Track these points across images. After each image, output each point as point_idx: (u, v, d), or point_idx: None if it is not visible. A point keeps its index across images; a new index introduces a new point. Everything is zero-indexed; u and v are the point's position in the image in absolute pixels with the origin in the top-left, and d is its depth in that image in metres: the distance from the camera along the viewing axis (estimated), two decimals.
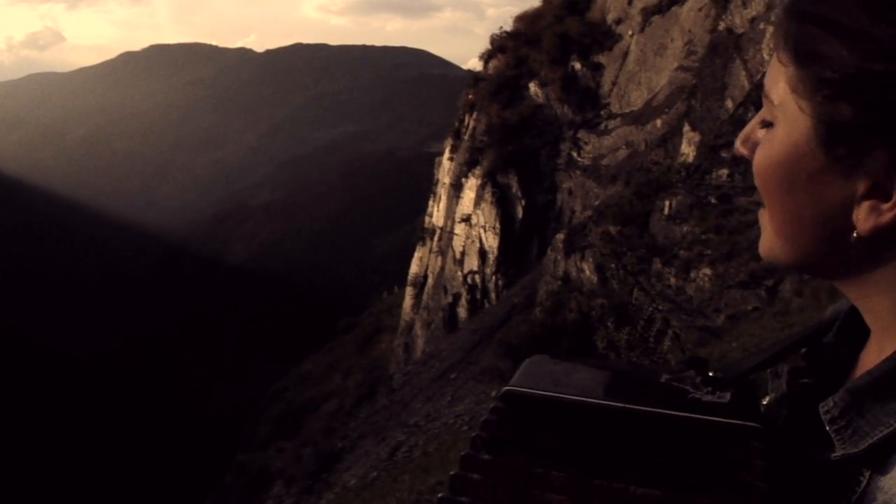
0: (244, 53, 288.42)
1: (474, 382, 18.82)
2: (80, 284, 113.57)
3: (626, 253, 16.10)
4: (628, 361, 7.78)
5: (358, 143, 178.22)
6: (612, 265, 16.32)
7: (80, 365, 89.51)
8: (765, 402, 0.88)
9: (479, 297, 30.75)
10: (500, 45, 36.92)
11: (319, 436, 28.81)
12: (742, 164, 16.44)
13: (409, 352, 34.61)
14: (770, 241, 0.80)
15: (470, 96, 36.66)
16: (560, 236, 21.97)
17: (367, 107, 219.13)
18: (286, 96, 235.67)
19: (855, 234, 0.71)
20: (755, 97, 17.51)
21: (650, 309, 11.11)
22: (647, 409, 0.77)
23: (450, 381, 22.04)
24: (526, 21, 36.65)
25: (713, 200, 15.94)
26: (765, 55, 18.58)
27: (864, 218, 0.70)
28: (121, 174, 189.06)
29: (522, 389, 0.82)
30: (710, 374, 0.82)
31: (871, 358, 0.77)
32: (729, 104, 19.13)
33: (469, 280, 31.40)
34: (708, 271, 13.34)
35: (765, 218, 0.80)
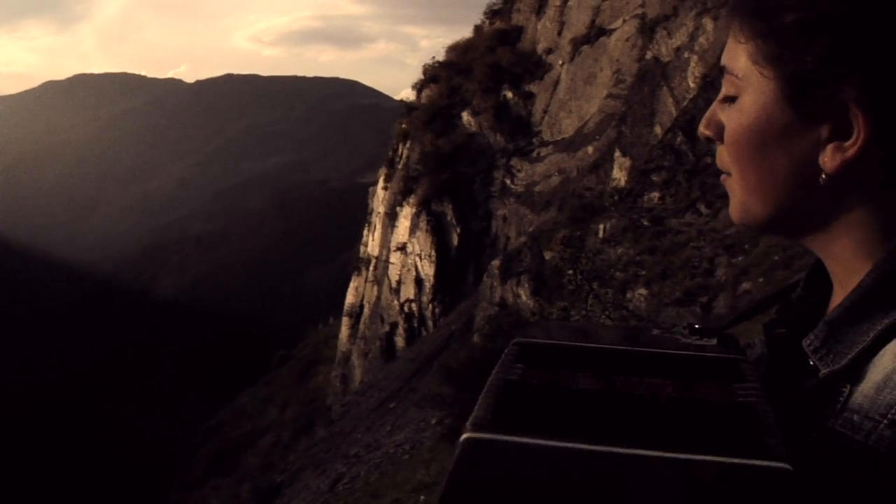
0: (174, 84, 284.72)
1: (415, 410, 18.71)
2: (0, 321, 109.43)
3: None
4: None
5: (290, 174, 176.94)
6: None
7: (1, 407, 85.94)
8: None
9: (416, 325, 30.67)
10: (433, 75, 37.24)
11: (257, 471, 28.27)
12: (672, 187, 16.88)
13: (347, 382, 34.23)
14: (742, 203, 0.88)
15: (403, 126, 36.82)
16: (496, 263, 22.12)
17: (299, 137, 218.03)
18: (217, 127, 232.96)
19: (823, 177, 0.80)
20: (683, 123, 18.02)
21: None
22: (648, 349, 0.84)
23: (389, 410, 21.87)
24: (458, 51, 37.08)
25: (646, 223, 16.27)
26: (690, 83, 19.16)
27: (829, 158, 0.78)
28: (44, 207, 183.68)
29: (529, 340, 0.85)
30: (696, 326, 0.90)
31: (836, 302, 0.86)
32: (658, 130, 19.64)
33: (406, 308, 31.31)
34: (644, 291, 13.61)
35: (733, 184, 0.88)
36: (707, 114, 0.89)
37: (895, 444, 0.72)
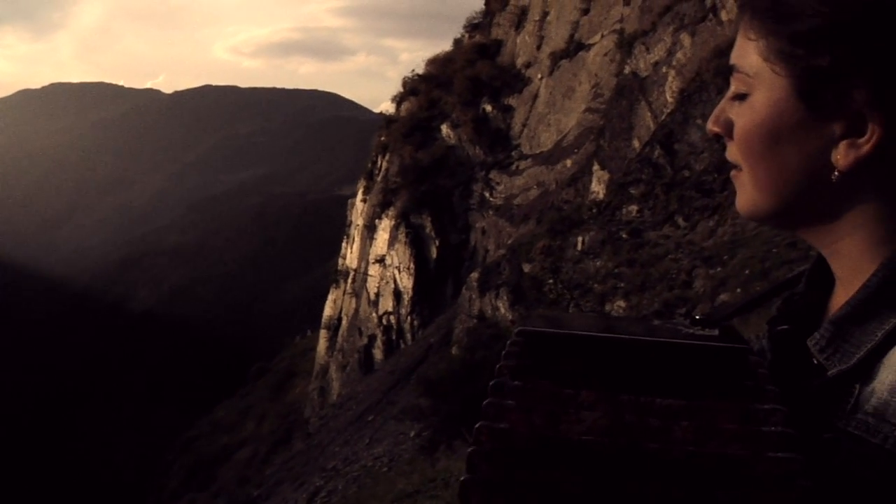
0: (152, 94, 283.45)
1: (393, 422, 18.63)
2: None
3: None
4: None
5: (268, 186, 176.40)
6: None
7: None
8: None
9: (394, 337, 30.57)
10: (413, 88, 37.31)
11: (234, 485, 28.02)
12: (650, 200, 16.97)
13: (325, 395, 34.03)
14: (750, 197, 0.88)
15: (382, 138, 36.83)
16: (475, 275, 22.11)
17: (277, 149, 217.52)
18: (195, 138, 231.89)
19: (836, 173, 0.80)
20: (660, 136, 18.15)
21: None
22: (654, 339, 0.82)
23: (367, 423, 21.75)
24: (438, 64, 37.19)
25: (624, 235, 16.36)
26: (667, 97, 19.31)
27: (843, 155, 0.79)
28: (19, 217, 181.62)
29: (535, 329, 0.84)
30: (697, 317, 0.89)
31: (838, 300, 0.87)
32: (636, 143, 19.77)
33: (384, 321, 31.22)
34: (622, 303, 13.66)
35: (743, 178, 0.88)
36: (716, 111, 0.90)
37: None
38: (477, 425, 0.71)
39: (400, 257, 30.96)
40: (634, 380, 0.76)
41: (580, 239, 17.33)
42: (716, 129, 0.90)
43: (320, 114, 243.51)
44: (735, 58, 0.87)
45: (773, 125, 0.82)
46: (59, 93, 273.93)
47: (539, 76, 30.65)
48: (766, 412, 0.73)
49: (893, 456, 0.73)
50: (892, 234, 0.81)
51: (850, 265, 0.84)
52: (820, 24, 0.77)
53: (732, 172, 0.91)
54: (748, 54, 0.84)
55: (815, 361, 0.83)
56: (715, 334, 0.85)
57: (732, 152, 0.89)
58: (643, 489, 0.67)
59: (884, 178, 0.80)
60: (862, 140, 0.78)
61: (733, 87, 0.87)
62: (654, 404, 0.73)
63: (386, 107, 41.18)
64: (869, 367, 0.78)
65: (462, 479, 0.68)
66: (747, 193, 0.88)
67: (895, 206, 0.81)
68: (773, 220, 0.89)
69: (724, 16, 18.30)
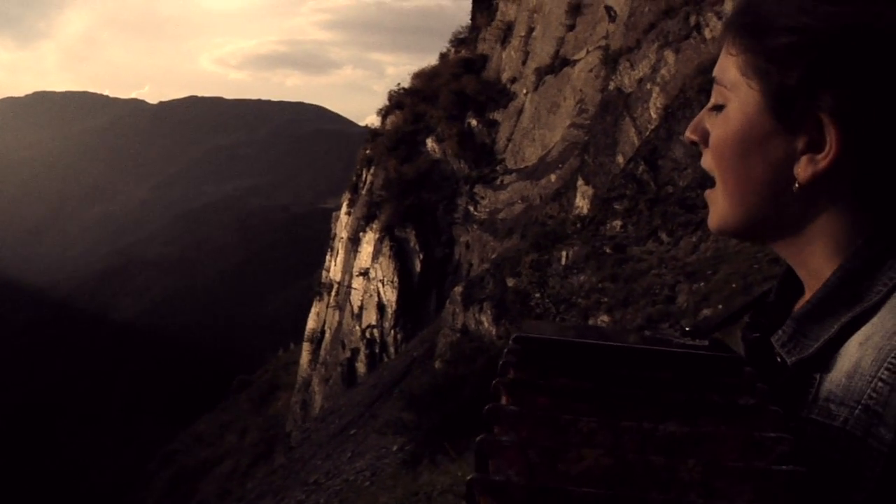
0: (137, 104, 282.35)
1: (376, 436, 18.54)
2: None
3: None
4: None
5: (253, 198, 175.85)
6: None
7: None
8: None
9: (377, 351, 30.50)
10: (398, 102, 37.42)
11: (214, 499, 27.77)
12: (634, 215, 17.04)
13: (307, 409, 33.86)
14: (721, 212, 0.93)
15: (368, 151, 36.87)
16: (458, 289, 22.11)
17: (262, 161, 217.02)
18: (180, 149, 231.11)
19: (796, 185, 0.85)
20: (645, 152, 18.25)
21: None
22: (649, 347, 0.84)
23: (350, 437, 21.64)
24: (423, 78, 37.33)
25: (608, 250, 16.41)
26: (651, 113, 19.43)
27: (803, 168, 0.84)
28: (1, 225, 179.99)
29: (531, 335, 0.84)
30: (687, 328, 0.93)
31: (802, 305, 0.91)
32: (620, 159, 19.86)
33: (367, 334, 31.15)
34: (606, 318, 13.68)
35: (714, 194, 0.94)
36: (694, 120, 0.95)
37: (870, 427, 0.76)
38: (469, 478, 0.68)
39: (384, 270, 30.93)
40: (634, 393, 0.76)
41: (564, 254, 17.37)
42: (693, 137, 0.95)
43: (306, 126, 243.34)
44: (717, 71, 0.92)
45: (744, 136, 0.87)
46: (42, 101, 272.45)
47: (524, 91, 30.80)
48: (772, 441, 0.72)
49: (853, 437, 0.77)
50: (851, 241, 0.85)
51: (815, 273, 0.89)
52: (790, 42, 0.83)
53: (707, 192, 0.96)
54: (728, 68, 0.90)
55: (779, 359, 0.88)
56: (706, 344, 0.88)
57: (707, 160, 0.93)
58: None
59: (843, 191, 0.84)
60: (820, 156, 0.83)
61: (713, 99, 0.92)
62: (658, 433, 0.71)
63: (371, 120, 41.26)
64: (827, 358, 0.83)
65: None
66: (718, 207, 0.93)
67: (854, 216, 0.85)
68: (743, 233, 0.93)
69: (707, 34, 18.47)
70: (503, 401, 0.75)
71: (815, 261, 0.88)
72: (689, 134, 0.96)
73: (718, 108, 0.91)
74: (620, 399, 0.75)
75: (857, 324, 0.82)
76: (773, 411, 0.75)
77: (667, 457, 0.69)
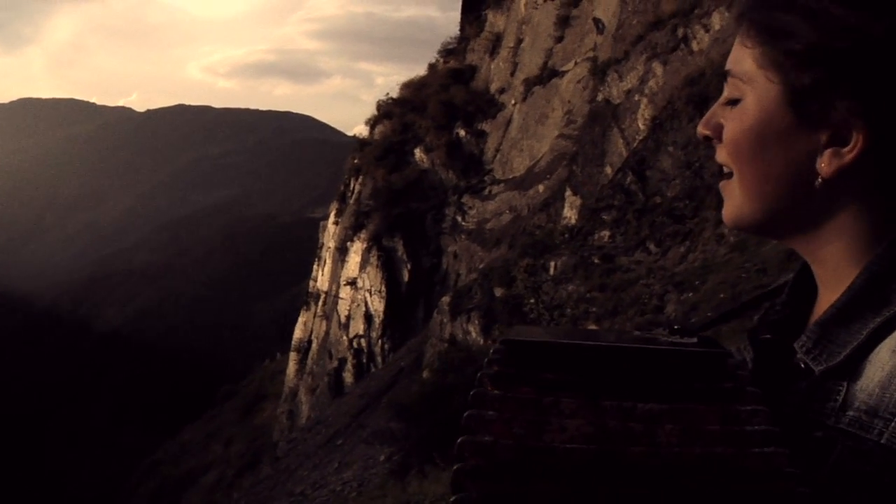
0: (124, 112, 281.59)
1: (363, 446, 18.45)
2: None
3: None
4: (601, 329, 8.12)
5: (239, 207, 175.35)
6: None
7: None
8: None
9: (365, 360, 30.40)
10: (387, 112, 37.41)
11: None
12: (622, 226, 17.09)
13: (294, 419, 33.68)
14: (736, 205, 0.90)
15: (356, 161, 36.82)
16: (446, 299, 22.08)
17: (249, 171, 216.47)
18: (167, 157, 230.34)
19: (819, 180, 0.83)
20: (633, 163, 18.31)
21: None
22: (636, 345, 0.82)
23: (337, 447, 21.53)
24: (412, 88, 37.35)
25: (596, 260, 16.44)
26: (640, 124, 19.51)
27: (826, 163, 0.82)
28: None
29: (518, 338, 0.83)
30: (675, 326, 0.90)
31: (822, 306, 0.88)
32: (608, 170, 19.92)
33: (355, 344, 31.04)
34: (594, 327, 13.69)
35: (730, 186, 0.91)
36: (707, 114, 0.92)
37: None
38: (459, 440, 0.70)
39: (371, 280, 30.86)
40: (616, 385, 0.76)
41: (552, 264, 17.39)
42: (706, 132, 0.92)
43: (293, 136, 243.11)
44: (731, 63, 0.89)
45: (763, 130, 0.85)
46: (28, 108, 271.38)
47: (513, 102, 30.88)
48: (748, 413, 0.73)
49: (888, 450, 0.75)
50: (874, 239, 0.83)
51: (834, 271, 0.87)
52: (809, 45, 0.81)
53: (721, 182, 0.92)
54: (744, 60, 0.87)
55: (802, 365, 0.85)
56: (693, 341, 0.86)
57: (722, 155, 0.91)
58: (632, 493, 0.67)
59: (866, 187, 0.83)
60: (846, 149, 0.81)
61: (726, 93, 0.90)
62: (637, 409, 0.73)
63: (360, 130, 41.19)
64: (855, 365, 0.80)
65: (451, 500, 0.67)
66: (735, 200, 0.90)
67: (877, 213, 0.83)
68: (759, 227, 0.91)
69: (695, 46, 18.57)
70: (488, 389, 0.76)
71: (836, 259, 0.86)
72: (701, 129, 0.93)
73: (733, 101, 0.88)
74: (602, 387, 0.75)
75: (887, 330, 0.79)
76: (751, 391, 0.75)
77: (645, 425, 0.71)
